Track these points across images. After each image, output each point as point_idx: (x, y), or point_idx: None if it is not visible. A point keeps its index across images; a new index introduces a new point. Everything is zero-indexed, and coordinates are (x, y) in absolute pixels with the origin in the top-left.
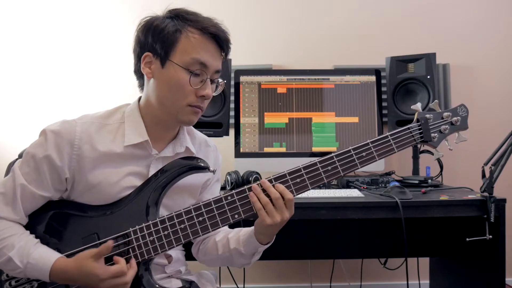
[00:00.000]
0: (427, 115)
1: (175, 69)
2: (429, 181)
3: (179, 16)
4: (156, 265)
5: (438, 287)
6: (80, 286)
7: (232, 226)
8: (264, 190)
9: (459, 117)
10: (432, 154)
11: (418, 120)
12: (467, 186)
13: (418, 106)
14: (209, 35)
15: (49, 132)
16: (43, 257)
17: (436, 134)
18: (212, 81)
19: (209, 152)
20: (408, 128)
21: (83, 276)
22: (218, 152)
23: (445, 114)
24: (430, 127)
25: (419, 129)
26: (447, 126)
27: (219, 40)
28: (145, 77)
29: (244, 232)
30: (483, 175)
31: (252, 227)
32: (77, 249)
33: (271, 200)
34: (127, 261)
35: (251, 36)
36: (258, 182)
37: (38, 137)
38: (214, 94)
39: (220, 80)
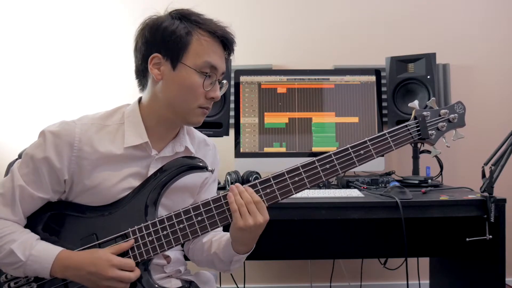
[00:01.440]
0: (425, 113)
1: (187, 72)
2: (429, 181)
3: (187, 18)
4: (156, 265)
5: (438, 287)
6: (82, 276)
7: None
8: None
9: (456, 114)
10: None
11: (415, 118)
12: (467, 186)
13: (415, 103)
14: (218, 38)
15: (47, 133)
16: (47, 248)
17: (433, 132)
18: (218, 82)
19: (208, 152)
20: (406, 126)
21: (93, 260)
22: (217, 152)
23: (442, 111)
24: (428, 125)
25: (417, 127)
26: (444, 123)
27: (227, 42)
28: (151, 78)
29: (226, 237)
30: (483, 175)
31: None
32: (76, 250)
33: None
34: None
35: (251, 36)
36: (233, 185)
37: (37, 138)
38: (220, 94)
39: (224, 81)
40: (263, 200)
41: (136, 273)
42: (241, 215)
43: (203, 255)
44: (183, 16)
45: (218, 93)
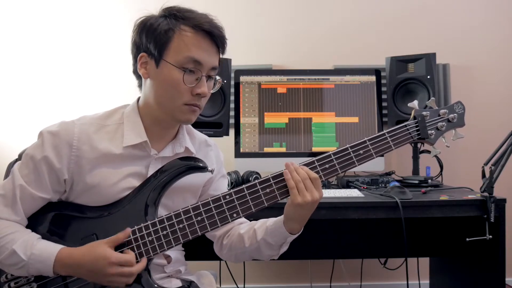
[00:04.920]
0: (424, 113)
1: (168, 69)
2: (429, 181)
3: (172, 14)
4: (156, 265)
5: (438, 287)
6: (84, 274)
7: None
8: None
9: (455, 114)
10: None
11: (415, 118)
12: (467, 186)
13: (415, 103)
14: (202, 32)
15: (46, 133)
16: (48, 247)
17: (433, 131)
18: (210, 78)
19: (209, 152)
20: (405, 126)
21: (92, 259)
22: (219, 150)
23: (442, 111)
24: (427, 124)
25: (416, 126)
26: (444, 123)
27: (213, 36)
28: (142, 78)
29: (271, 222)
30: (483, 175)
31: (280, 217)
32: (74, 248)
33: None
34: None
35: (251, 36)
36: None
37: (37, 139)
38: (212, 91)
39: (217, 77)
40: None
41: (140, 266)
42: (299, 191)
43: (246, 245)
44: (170, 13)
45: (205, 89)
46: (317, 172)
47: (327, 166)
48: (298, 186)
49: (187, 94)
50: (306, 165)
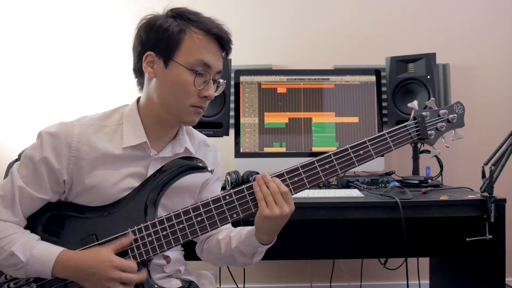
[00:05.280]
0: (424, 113)
1: (179, 70)
2: (429, 181)
3: (182, 16)
4: (156, 265)
5: (438, 287)
6: (83, 277)
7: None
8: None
9: (455, 115)
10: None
11: (414, 118)
12: (467, 186)
13: (414, 104)
14: (212, 36)
15: (45, 134)
16: (48, 249)
17: (432, 132)
18: (213, 81)
19: (208, 152)
20: (405, 126)
21: (95, 261)
22: (217, 151)
23: (442, 111)
24: (427, 125)
25: (416, 127)
26: (443, 123)
27: (222, 41)
28: (146, 77)
29: (246, 230)
30: (483, 175)
31: (253, 227)
32: (76, 250)
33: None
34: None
35: (251, 36)
36: (259, 175)
37: (36, 139)
38: (215, 94)
39: (221, 80)
40: None
41: (140, 276)
42: (267, 204)
43: (222, 251)
44: (178, 14)
45: (212, 92)
46: (317, 173)
47: (327, 166)
48: (267, 199)
49: (195, 96)
50: (306, 166)
